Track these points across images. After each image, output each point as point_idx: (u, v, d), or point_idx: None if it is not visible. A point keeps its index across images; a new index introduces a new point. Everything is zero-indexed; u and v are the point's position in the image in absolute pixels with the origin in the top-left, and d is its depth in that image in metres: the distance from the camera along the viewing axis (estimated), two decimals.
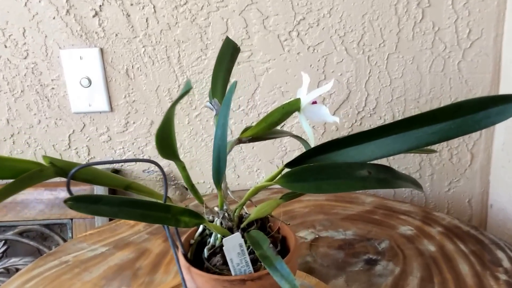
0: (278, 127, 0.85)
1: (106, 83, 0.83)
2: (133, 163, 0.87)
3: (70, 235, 0.81)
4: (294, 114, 0.51)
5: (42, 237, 0.87)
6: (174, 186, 0.89)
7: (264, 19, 0.80)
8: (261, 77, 0.83)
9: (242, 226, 0.50)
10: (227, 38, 0.57)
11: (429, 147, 0.51)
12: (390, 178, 0.48)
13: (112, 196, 0.42)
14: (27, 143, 0.86)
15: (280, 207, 0.52)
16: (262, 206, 0.51)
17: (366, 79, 0.83)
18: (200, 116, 0.85)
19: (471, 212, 0.90)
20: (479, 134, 0.85)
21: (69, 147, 0.86)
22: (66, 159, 0.87)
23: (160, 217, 0.44)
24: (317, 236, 0.69)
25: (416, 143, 0.45)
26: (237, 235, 0.44)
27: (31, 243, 0.83)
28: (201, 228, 0.52)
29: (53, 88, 0.83)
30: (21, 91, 0.83)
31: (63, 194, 0.81)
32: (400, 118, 0.84)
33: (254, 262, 0.46)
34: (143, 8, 0.79)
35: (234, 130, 0.86)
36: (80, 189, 0.81)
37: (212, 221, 0.51)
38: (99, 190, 0.80)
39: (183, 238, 0.50)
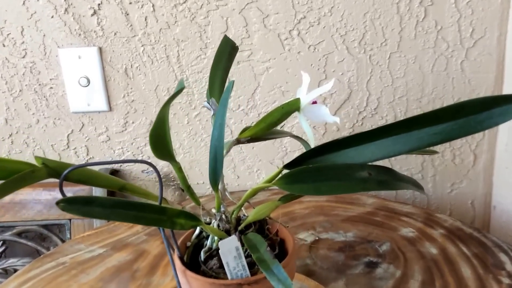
0: (280, 127, 0.85)
1: (105, 82, 0.82)
2: (132, 163, 0.86)
3: (68, 235, 0.81)
4: (294, 114, 0.51)
5: (41, 238, 0.87)
6: (173, 187, 0.88)
7: (264, 18, 0.79)
8: (261, 77, 0.82)
9: (239, 228, 0.49)
10: (225, 36, 0.56)
11: (430, 148, 0.50)
12: (390, 179, 0.47)
13: (105, 198, 0.42)
14: (26, 142, 0.86)
15: (280, 208, 0.51)
16: (260, 208, 0.50)
17: (367, 79, 0.82)
18: (199, 116, 0.84)
19: (474, 213, 0.89)
20: (482, 135, 0.84)
21: (68, 147, 0.86)
22: (65, 159, 0.87)
23: (155, 219, 0.44)
24: (317, 238, 0.68)
25: (418, 144, 0.45)
26: (233, 238, 0.43)
27: (29, 243, 0.83)
28: (198, 230, 0.51)
29: (51, 88, 0.83)
30: (20, 91, 0.83)
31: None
32: (401, 119, 0.84)
33: (252, 265, 0.46)
34: (142, 6, 0.78)
35: (234, 130, 0.85)
36: (79, 189, 0.80)
37: (209, 223, 0.50)
38: (98, 191, 0.79)
39: (179, 241, 0.50)
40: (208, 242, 0.49)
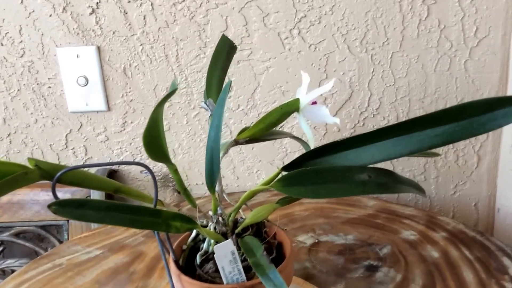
0: (280, 128, 0.84)
1: (103, 82, 0.81)
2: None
3: (66, 236, 0.80)
4: (295, 114, 0.50)
5: (39, 238, 0.86)
6: (172, 187, 0.87)
7: (264, 17, 0.78)
8: (261, 76, 0.81)
9: (236, 231, 0.48)
10: (223, 36, 0.55)
11: (432, 151, 0.49)
12: (391, 182, 0.46)
13: (99, 200, 0.41)
14: (24, 142, 0.85)
15: (279, 210, 0.50)
16: (257, 210, 0.49)
17: (369, 79, 0.81)
18: (198, 116, 0.83)
19: (477, 216, 0.88)
20: (486, 136, 0.83)
21: (66, 147, 0.85)
22: (63, 159, 0.86)
23: (150, 222, 0.43)
24: (316, 240, 0.67)
25: (418, 146, 0.44)
26: (229, 242, 0.42)
27: (27, 244, 0.82)
28: (194, 233, 0.50)
29: (49, 87, 0.82)
30: (18, 90, 0.82)
31: (60, 195, 0.79)
32: (404, 119, 0.83)
33: (248, 269, 0.45)
34: (140, 5, 0.77)
35: (234, 130, 0.84)
36: (77, 189, 0.80)
37: (206, 226, 0.49)
38: (96, 192, 0.78)
39: (175, 244, 0.49)
40: (205, 245, 0.48)
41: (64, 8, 0.78)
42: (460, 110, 0.40)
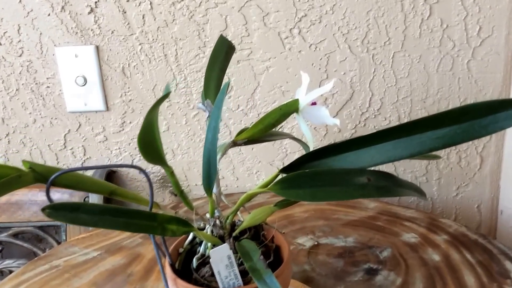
0: (280, 128, 0.83)
1: (102, 81, 0.81)
2: (129, 163, 0.84)
3: (64, 237, 0.79)
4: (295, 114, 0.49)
5: (37, 239, 0.86)
6: (171, 188, 0.86)
7: (264, 16, 0.77)
8: (261, 76, 0.80)
9: (234, 234, 0.48)
10: (221, 36, 0.55)
11: (433, 153, 0.48)
12: (391, 185, 0.45)
13: (93, 204, 0.40)
14: (23, 142, 0.84)
15: (278, 211, 0.49)
16: (255, 213, 0.49)
17: (370, 79, 0.80)
18: (198, 116, 0.82)
19: (480, 218, 0.87)
20: (489, 137, 0.82)
21: (65, 147, 0.84)
22: (62, 159, 0.85)
23: (145, 225, 0.42)
24: (316, 243, 0.66)
25: (419, 148, 0.43)
26: (225, 246, 0.42)
27: (25, 245, 0.82)
28: (191, 236, 0.49)
29: (48, 87, 0.81)
30: (16, 90, 0.82)
31: (58, 195, 0.79)
32: (406, 120, 0.82)
33: (245, 273, 0.44)
34: (139, 4, 0.77)
35: (233, 131, 0.83)
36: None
37: (203, 229, 0.48)
38: (94, 195, 0.77)
39: (171, 247, 0.48)
40: (201, 249, 0.47)
41: (62, 7, 0.77)
42: (462, 112, 0.40)
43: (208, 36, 0.78)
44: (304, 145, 0.58)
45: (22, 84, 0.81)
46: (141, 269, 0.63)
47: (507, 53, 0.77)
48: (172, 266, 0.45)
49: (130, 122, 0.83)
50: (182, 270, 0.47)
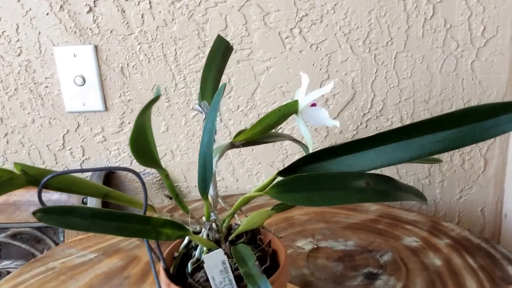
0: (281, 129, 0.82)
1: (101, 81, 0.80)
2: (128, 164, 0.84)
3: (62, 238, 0.79)
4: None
5: (35, 240, 0.85)
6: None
7: (264, 15, 0.76)
8: (261, 76, 0.79)
9: (230, 238, 0.47)
10: (219, 36, 0.54)
11: (434, 157, 0.47)
12: (390, 189, 0.44)
13: (85, 207, 0.39)
14: (21, 142, 0.84)
15: (278, 214, 0.48)
16: (252, 216, 0.48)
17: (372, 79, 0.78)
18: (197, 117, 0.81)
19: (483, 221, 0.86)
20: (494, 139, 0.80)
21: (64, 147, 0.84)
22: (60, 160, 0.85)
23: (139, 229, 0.41)
24: (315, 246, 0.65)
25: (419, 152, 0.42)
26: (219, 252, 0.41)
27: (23, 246, 0.81)
28: (186, 239, 0.48)
29: (46, 87, 0.81)
30: (15, 89, 0.81)
31: (56, 196, 0.79)
32: (408, 121, 0.80)
33: (241, 279, 0.43)
34: (138, 3, 0.76)
35: (233, 132, 0.82)
36: None
37: (199, 233, 0.47)
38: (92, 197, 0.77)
39: (166, 251, 0.47)
40: (197, 253, 0.46)
41: (61, 7, 0.76)
42: (463, 115, 0.39)
43: (208, 35, 0.77)
44: (304, 146, 0.57)
45: (21, 83, 0.81)
46: (138, 272, 0.62)
47: None
48: (166, 270, 0.45)
49: (129, 123, 0.82)
50: (177, 275, 0.46)
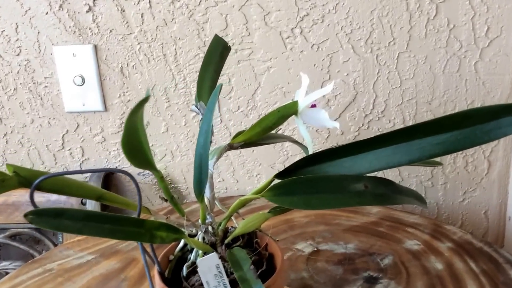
0: (282, 130, 0.81)
1: (100, 81, 0.79)
2: (127, 165, 0.83)
3: (60, 239, 0.78)
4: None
5: (34, 241, 0.85)
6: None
7: (265, 15, 0.75)
8: (262, 77, 0.78)
9: (226, 241, 0.46)
10: (216, 36, 0.53)
11: (434, 160, 0.46)
12: (389, 193, 0.43)
13: (77, 210, 0.39)
14: (20, 142, 0.84)
15: (278, 216, 0.48)
16: (249, 220, 0.47)
17: (374, 80, 0.77)
18: (197, 117, 0.81)
19: (487, 224, 0.84)
20: (497, 141, 0.79)
21: (63, 147, 0.83)
22: (60, 160, 0.84)
23: (132, 232, 0.41)
24: (315, 249, 0.64)
25: (419, 154, 0.41)
26: (213, 256, 0.40)
27: (22, 246, 0.81)
28: (182, 242, 0.48)
29: (46, 87, 0.80)
30: (14, 89, 0.81)
31: (55, 197, 0.78)
32: (410, 122, 0.79)
33: (236, 283, 0.42)
34: (138, 3, 0.75)
35: (233, 132, 0.81)
36: None
37: (195, 235, 0.47)
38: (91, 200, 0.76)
39: (161, 254, 0.46)
40: (192, 256, 0.46)
41: (60, 6, 0.76)
42: (464, 117, 0.38)
43: (208, 35, 0.76)
44: (304, 148, 0.56)
45: (20, 83, 0.80)
46: (135, 274, 0.62)
47: None
48: (161, 274, 0.44)
49: None
50: (172, 278, 0.45)
